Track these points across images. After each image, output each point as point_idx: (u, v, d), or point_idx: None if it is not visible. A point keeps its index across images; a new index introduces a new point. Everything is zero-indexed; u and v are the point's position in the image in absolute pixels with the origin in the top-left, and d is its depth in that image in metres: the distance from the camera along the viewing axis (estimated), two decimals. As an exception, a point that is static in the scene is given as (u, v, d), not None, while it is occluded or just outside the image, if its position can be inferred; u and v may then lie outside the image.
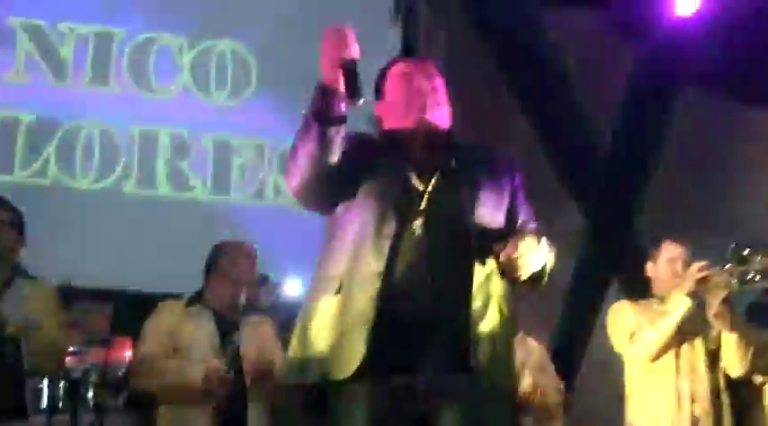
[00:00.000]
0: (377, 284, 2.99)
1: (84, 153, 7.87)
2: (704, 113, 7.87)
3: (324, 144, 3.01)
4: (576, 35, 8.03)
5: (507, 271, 3.07)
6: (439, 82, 3.35)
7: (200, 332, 4.74)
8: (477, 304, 3.04)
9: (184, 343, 4.73)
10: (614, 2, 7.58)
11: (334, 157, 3.05)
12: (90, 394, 5.86)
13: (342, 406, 3.04)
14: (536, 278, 3.16)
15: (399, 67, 3.40)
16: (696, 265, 4.82)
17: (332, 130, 3.00)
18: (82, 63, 8.04)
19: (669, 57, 8.02)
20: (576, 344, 8.17)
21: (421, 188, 3.14)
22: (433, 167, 3.20)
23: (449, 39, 8.23)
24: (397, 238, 3.05)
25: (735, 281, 4.67)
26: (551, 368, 5.41)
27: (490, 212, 3.18)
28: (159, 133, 8.06)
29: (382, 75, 3.42)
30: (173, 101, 8.19)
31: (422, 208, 3.10)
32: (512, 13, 8.37)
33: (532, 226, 3.32)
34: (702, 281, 4.76)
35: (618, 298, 5.48)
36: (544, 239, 3.16)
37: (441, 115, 3.31)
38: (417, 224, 3.07)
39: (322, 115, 3.00)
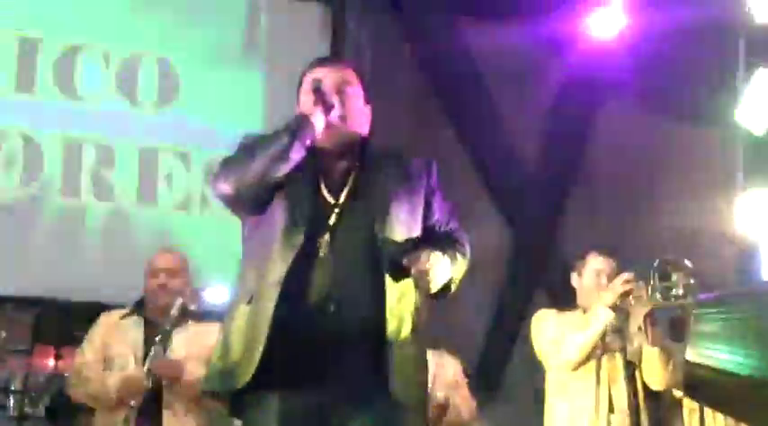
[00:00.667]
0: (278, 290, 3.00)
1: (6, 160, 7.80)
2: (624, 127, 7.99)
3: (285, 159, 3.04)
4: (501, 50, 8.07)
5: (419, 285, 3.06)
6: (355, 89, 3.29)
7: (126, 341, 4.78)
8: (393, 318, 3.04)
9: (113, 353, 4.78)
10: (540, 19, 7.64)
11: (281, 176, 3.07)
12: (11, 402, 5.83)
13: (252, 417, 3.10)
14: (444, 287, 3.14)
15: (317, 72, 3.29)
16: (621, 278, 4.86)
17: (298, 150, 3.04)
18: (6, 70, 7.95)
19: (590, 73, 8.14)
20: (502, 354, 8.25)
21: (332, 201, 3.15)
22: (344, 178, 3.20)
23: (375, 53, 8.26)
24: (303, 250, 3.05)
25: (658, 296, 4.69)
26: (464, 385, 5.43)
27: (405, 220, 3.16)
28: (84, 141, 8.00)
29: (300, 81, 3.36)
30: (99, 109, 8.14)
31: (331, 223, 3.11)
32: (438, 29, 8.46)
33: (454, 226, 3.33)
34: (626, 294, 4.85)
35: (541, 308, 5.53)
36: (450, 251, 3.15)
37: (352, 123, 3.26)
38: (325, 239, 3.08)
39: (297, 136, 3.04)
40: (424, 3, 8.30)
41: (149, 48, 8.33)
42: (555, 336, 5.08)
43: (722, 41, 7.19)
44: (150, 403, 4.62)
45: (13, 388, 5.85)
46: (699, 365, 2.80)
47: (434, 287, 3.06)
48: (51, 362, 6.60)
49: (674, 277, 4.65)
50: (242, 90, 8.17)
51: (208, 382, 3.22)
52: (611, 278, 5.01)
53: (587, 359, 4.96)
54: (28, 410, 5.89)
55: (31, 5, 8.09)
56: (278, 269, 3.03)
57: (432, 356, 5.04)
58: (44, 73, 8.03)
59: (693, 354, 2.84)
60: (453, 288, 3.20)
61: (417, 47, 8.58)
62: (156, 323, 4.82)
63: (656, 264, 4.69)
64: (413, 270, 3.01)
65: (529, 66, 8.19)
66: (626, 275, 4.84)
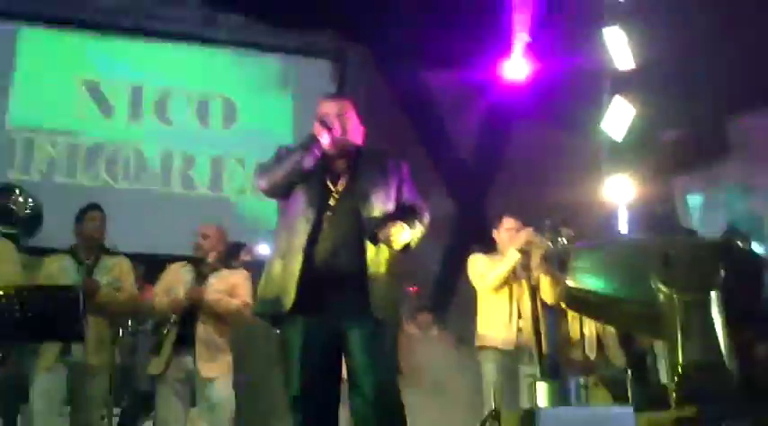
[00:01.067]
0: (300, 254, 3.04)
1: (123, 165, 7.79)
2: (528, 136, 7.95)
3: (299, 166, 3.12)
4: (448, 87, 8.06)
5: (386, 244, 3.08)
6: (350, 114, 3.28)
7: (180, 280, 4.71)
8: (372, 266, 3.07)
9: (172, 287, 4.73)
10: (472, 65, 7.61)
11: (299, 177, 3.14)
12: (129, 322, 5.75)
13: (287, 329, 3.11)
14: (407, 245, 3.17)
15: (324, 106, 3.31)
16: (525, 231, 4.87)
17: (308, 161, 3.12)
18: (122, 106, 7.91)
19: (506, 101, 8.09)
20: (450, 284, 8.21)
21: (332, 189, 3.16)
22: (342, 173, 3.21)
23: (366, 92, 8.23)
24: (316, 223, 3.08)
25: (548, 242, 4.74)
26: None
27: (382, 201, 3.17)
28: (174, 152, 7.99)
29: (316, 109, 3.33)
30: (183, 130, 8.11)
31: (331, 204, 3.13)
32: (406, 75, 8.41)
33: (417, 201, 3.32)
34: (528, 242, 4.84)
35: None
36: (413, 222, 3.17)
37: (350, 136, 3.25)
38: (328, 214, 3.10)
39: (308, 151, 3.13)
40: (398, 59, 8.22)
41: (216, 90, 8.26)
42: (482, 270, 5.06)
43: (594, 78, 7.15)
44: (188, 317, 4.56)
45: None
46: (576, 288, 2.76)
47: (396, 246, 3.08)
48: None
49: (560, 230, 4.66)
50: (279, 115, 8.08)
51: (257, 307, 3.30)
52: (517, 231, 5.01)
53: (503, 283, 4.95)
54: (139, 327, 5.80)
55: (137, 64, 8.05)
56: (300, 237, 3.07)
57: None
58: (147, 108, 7.99)
59: (572, 281, 2.81)
60: (413, 245, 3.21)
61: (394, 87, 8.50)
62: (200, 270, 4.74)
63: (548, 222, 4.71)
64: (381, 237, 3.04)
65: (466, 96, 8.14)
66: (528, 230, 4.86)
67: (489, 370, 4.94)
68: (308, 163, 3.13)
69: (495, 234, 5.23)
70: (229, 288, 4.72)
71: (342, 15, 7.92)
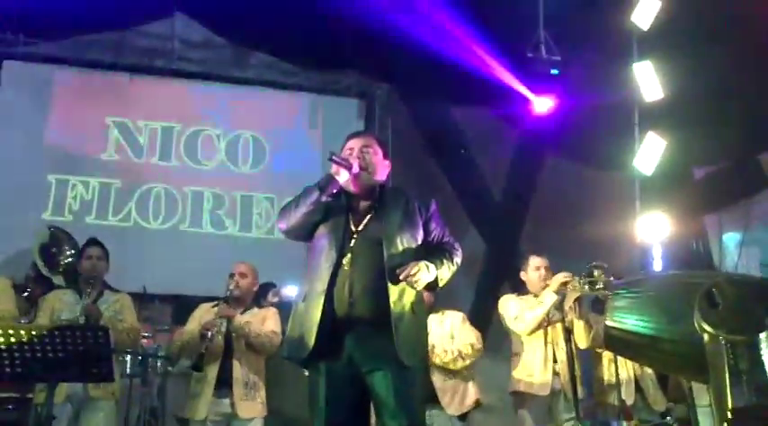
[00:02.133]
0: (321, 299, 2.99)
1: (154, 205, 7.81)
2: (562, 175, 7.87)
3: (315, 208, 3.08)
4: (475, 122, 8.04)
5: (407, 284, 3.02)
6: (373, 149, 3.25)
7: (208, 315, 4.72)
8: (396, 308, 3.00)
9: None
10: (500, 100, 7.59)
11: (318, 217, 3.10)
12: (158, 364, 5.73)
13: (311, 374, 3.09)
14: (432, 286, 3.13)
15: (348, 143, 3.29)
16: (562, 274, 4.79)
17: (323, 200, 3.07)
18: (153, 146, 7.98)
19: (535, 137, 8.03)
20: (481, 326, 8.07)
21: (353, 229, 3.11)
22: (365, 213, 3.16)
23: (393, 128, 8.25)
24: (336, 265, 3.03)
25: (586, 287, 4.65)
26: (464, 331, 5.07)
27: (407, 241, 3.12)
28: (204, 191, 7.99)
29: (342, 146, 3.31)
30: (213, 170, 8.13)
31: (353, 245, 3.07)
32: (433, 111, 8.39)
33: (447, 239, 3.28)
34: (564, 284, 4.75)
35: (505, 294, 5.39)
36: (439, 260, 3.13)
37: (375, 173, 3.21)
38: (350, 256, 3.04)
39: (324, 190, 3.07)
40: (423, 95, 8.21)
41: (245, 129, 8.29)
42: (516, 313, 4.99)
43: (623, 113, 7.09)
44: (224, 360, 4.62)
45: (160, 354, 5.73)
46: (614, 328, 2.67)
47: (418, 286, 3.03)
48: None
49: (597, 275, 4.58)
50: (307, 154, 8.06)
51: (284, 350, 3.25)
52: (546, 270, 4.97)
53: (539, 326, 4.88)
54: (170, 368, 5.76)
55: (167, 104, 8.12)
56: (322, 281, 3.02)
57: (435, 317, 4.93)
58: (177, 148, 8.05)
59: (610, 321, 2.72)
60: (441, 284, 3.17)
61: (420, 122, 8.49)
62: (232, 307, 4.77)
63: (587, 267, 4.65)
64: (401, 277, 2.98)
65: (495, 132, 8.11)
66: (564, 273, 4.79)
67: (525, 416, 4.82)
68: (322, 204, 3.08)
69: (524, 274, 5.15)
70: (260, 320, 4.72)
71: (367, 53, 7.95)
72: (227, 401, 4.57)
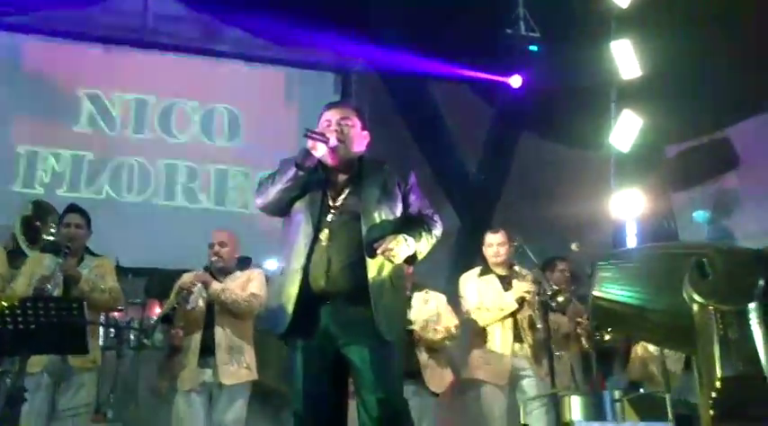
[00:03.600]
0: (299, 275, 2.93)
1: (127, 178, 7.64)
2: (537, 152, 7.83)
3: (293, 184, 2.99)
4: (452, 98, 7.95)
5: (386, 258, 2.93)
6: (351, 121, 3.13)
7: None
8: (375, 282, 2.93)
9: None
10: (475, 79, 7.51)
11: (296, 192, 3.02)
12: (132, 336, 5.61)
13: (290, 351, 3.03)
14: (410, 258, 3.04)
15: (325, 114, 3.18)
16: (525, 285, 4.74)
17: (300, 176, 2.98)
18: (127, 119, 7.79)
19: (511, 115, 7.96)
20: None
21: (331, 204, 3.03)
22: (343, 187, 3.08)
23: (370, 102, 8.13)
24: (314, 240, 2.97)
25: (543, 301, 4.63)
26: (445, 313, 5.03)
27: (385, 214, 3.04)
28: (178, 164, 7.83)
29: (319, 118, 3.20)
30: (188, 143, 7.96)
31: (329, 220, 3.00)
32: (409, 86, 8.25)
33: (426, 211, 3.19)
34: (528, 292, 4.73)
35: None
36: (418, 233, 3.05)
37: (351, 146, 3.10)
38: (327, 231, 2.97)
39: (301, 166, 2.97)
40: (400, 70, 8.08)
41: (220, 102, 8.13)
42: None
43: (600, 91, 7.05)
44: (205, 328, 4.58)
45: (133, 326, 5.63)
46: (601, 298, 2.62)
47: (396, 260, 2.95)
48: (157, 310, 6.36)
49: (556, 296, 4.56)
50: (284, 128, 7.92)
51: (259, 322, 3.17)
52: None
53: (495, 321, 4.85)
54: (144, 341, 5.64)
55: (140, 77, 7.96)
56: (299, 257, 2.96)
57: (419, 295, 4.87)
58: (151, 120, 7.89)
59: (598, 292, 2.66)
60: (420, 257, 3.10)
61: (397, 98, 8.36)
62: (215, 276, 4.72)
63: (552, 289, 4.66)
64: (378, 250, 2.90)
65: (472, 108, 8.03)
66: (528, 285, 4.77)
67: (486, 401, 4.78)
68: (300, 179, 2.99)
69: (484, 249, 5.09)
70: (243, 282, 4.64)
71: (343, 27, 7.81)
72: (210, 369, 4.50)
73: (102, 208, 7.23)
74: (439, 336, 4.78)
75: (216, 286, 4.56)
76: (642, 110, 6.77)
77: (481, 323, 4.87)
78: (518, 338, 4.81)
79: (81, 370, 4.41)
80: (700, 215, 7.26)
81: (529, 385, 4.72)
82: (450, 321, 4.91)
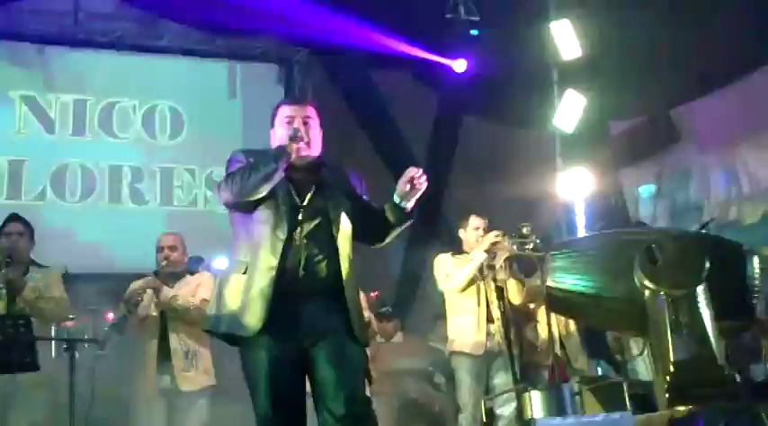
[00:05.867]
0: (273, 273, 2.86)
1: (70, 181, 7.45)
2: (483, 135, 7.85)
3: (270, 180, 2.91)
4: (395, 84, 7.91)
5: (413, 191, 2.90)
6: (313, 121, 3.08)
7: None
8: (349, 282, 2.92)
9: None
10: (419, 62, 7.48)
11: (267, 191, 2.93)
12: (86, 346, 5.48)
13: (249, 352, 2.93)
14: (408, 215, 2.99)
15: (284, 110, 3.10)
16: (492, 233, 4.78)
17: (279, 174, 2.91)
18: (65, 121, 7.57)
19: (455, 98, 7.96)
20: (410, 288, 8.06)
21: (299, 203, 2.98)
22: (308, 187, 3.02)
23: (313, 92, 8.07)
24: (286, 240, 2.90)
25: (515, 248, 4.64)
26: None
27: (345, 211, 3.01)
28: (122, 165, 7.66)
29: (273, 115, 3.13)
30: (131, 143, 7.79)
31: (300, 218, 2.94)
32: (352, 74, 8.19)
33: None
34: (494, 244, 4.73)
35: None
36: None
37: (314, 146, 3.06)
38: (299, 230, 2.92)
39: (278, 163, 2.91)
40: (342, 59, 8.02)
41: (162, 100, 7.94)
42: (448, 271, 4.95)
43: (542, 71, 7.08)
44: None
45: (86, 336, 5.50)
46: (556, 289, 2.64)
47: (417, 195, 2.93)
48: (110, 316, 6.22)
49: (526, 234, 4.58)
50: (227, 122, 7.81)
51: (206, 323, 3.07)
52: (485, 231, 4.91)
53: (470, 284, 4.84)
54: (99, 352, 5.50)
55: (78, 77, 7.73)
56: (272, 255, 2.88)
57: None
58: (92, 122, 7.66)
59: (551, 282, 2.68)
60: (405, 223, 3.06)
61: (340, 86, 8.28)
62: (165, 281, 4.58)
63: (518, 226, 4.59)
64: (404, 185, 2.89)
65: (414, 94, 8.00)
66: (494, 232, 4.76)
67: (463, 376, 4.81)
68: (279, 176, 2.92)
69: (462, 233, 5.12)
70: (192, 288, 4.57)
71: (282, 18, 7.70)
72: (167, 376, 4.43)
73: (45, 214, 7.08)
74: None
75: (166, 292, 4.48)
76: (585, 89, 6.82)
77: (454, 287, 4.86)
78: (489, 318, 4.83)
79: (32, 388, 4.29)
80: (645, 189, 7.37)
81: (498, 369, 4.77)
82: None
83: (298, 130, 2.99)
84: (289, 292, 2.88)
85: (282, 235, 2.91)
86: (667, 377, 2.31)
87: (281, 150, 2.96)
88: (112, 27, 7.81)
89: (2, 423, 4.26)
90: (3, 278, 4.29)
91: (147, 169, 7.70)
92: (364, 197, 3.16)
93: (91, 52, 7.77)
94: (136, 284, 4.51)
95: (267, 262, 2.89)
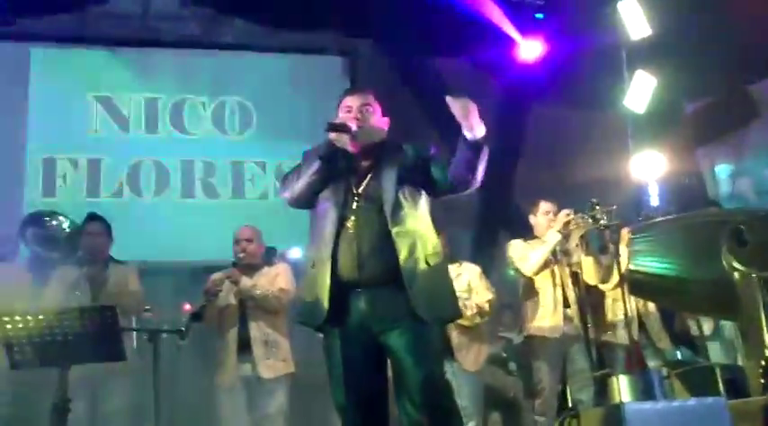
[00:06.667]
0: (328, 264, 2.93)
1: (144, 178, 7.62)
2: (552, 119, 7.71)
3: (318, 176, 3.01)
4: (461, 72, 7.80)
5: (469, 124, 2.99)
6: (372, 107, 3.14)
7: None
8: (408, 263, 2.91)
9: None
10: (485, 48, 7.39)
11: (322, 185, 3.04)
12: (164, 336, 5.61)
13: (327, 340, 3.03)
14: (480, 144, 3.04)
15: (345, 101, 3.18)
16: (563, 212, 4.75)
17: (325, 169, 3.00)
18: (138, 119, 7.76)
19: (522, 82, 7.84)
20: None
21: (355, 191, 3.03)
22: (365, 173, 3.07)
23: (381, 85, 8.02)
24: (340, 228, 2.98)
25: (589, 220, 4.61)
26: (480, 286, 4.97)
27: (409, 192, 3.04)
28: (194, 161, 7.80)
29: (337, 107, 3.21)
30: (201, 138, 7.92)
31: (354, 207, 3.00)
32: (416, 64, 8.17)
33: None
34: (567, 223, 4.71)
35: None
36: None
37: (373, 132, 3.10)
38: (353, 218, 2.98)
39: (324, 158, 3.00)
40: (407, 47, 7.99)
41: (230, 95, 8.05)
42: (522, 254, 4.93)
43: (611, 53, 6.92)
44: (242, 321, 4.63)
45: (164, 328, 5.61)
46: (637, 272, 2.59)
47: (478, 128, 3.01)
48: (187, 307, 6.36)
49: (598, 209, 4.57)
50: (294, 115, 7.85)
51: (298, 317, 3.18)
52: (555, 214, 4.85)
53: (544, 266, 4.83)
54: (180, 342, 5.64)
55: (148, 76, 7.90)
56: (327, 246, 2.96)
57: (452, 269, 4.82)
58: (163, 118, 7.82)
59: (633, 265, 2.63)
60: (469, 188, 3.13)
61: (405, 76, 8.24)
62: (243, 272, 4.73)
63: (587, 203, 4.59)
64: (461, 110, 3.01)
65: (481, 80, 7.91)
66: (566, 210, 4.72)
67: (539, 360, 4.78)
68: (325, 172, 3.01)
69: (533, 219, 5.08)
70: (271, 278, 4.67)
71: (345, 9, 7.71)
72: (248, 364, 4.56)
73: (123, 210, 7.28)
74: (468, 313, 4.72)
75: (245, 282, 4.58)
76: (656, 70, 6.65)
77: (528, 269, 4.83)
78: (566, 302, 4.78)
79: (118, 378, 4.46)
80: (723, 169, 7.16)
81: (575, 354, 4.72)
82: (483, 296, 4.86)
83: (341, 122, 3.06)
84: (350, 281, 2.93)
85: (333, 225, 2.98)
86: (762, 362, 2.24)
87: (328, 143, 3.03)
88: (179, 26, 7.97)
89: (92, 411, 4.42)
90: (85, 275, 4.49)
91: (219, 163, 7.82)
92: (437, 162, 3.15)
93: (159, 51, 7.93)
94: (216, 275, 4.63)
95: (325, 255, 2.96)
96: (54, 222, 5.30)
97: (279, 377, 4.61)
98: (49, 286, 4.65)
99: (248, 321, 4.61)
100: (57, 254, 5.02)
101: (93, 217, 4.93)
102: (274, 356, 4.59)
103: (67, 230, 5.25)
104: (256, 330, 4.58)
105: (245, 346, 4.58)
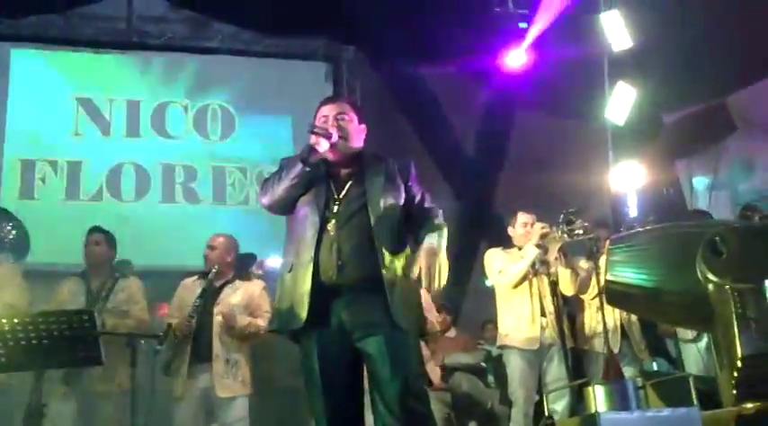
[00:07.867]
0: (309, 267, 2.89)
1: (125, 181, 7.57)
2: (533, 129, 7.76)
3: (300, 180, 2.98)
4: (444, 80, 7.85)
5: (428, 283, 2.93)
6: (348, 116, 3.12)
7: (192, 294, 4.66)
8: (388, 272, 2.88)
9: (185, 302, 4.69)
10: (472, 58, 7.43)
11: (302, 190, 3.01)
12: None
13: (304, 344, 2.97)
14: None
15: (321, 110, 3.15)
16: (539, 225, 4.76)
17: (306, 174, 2.98)
18: (120, 121, 7.71)
19: (506, 92, 7.89)
20: (460, 286, 8.01)
21: (336, 196, 3.01)
22: (346, 180, 3.05)
23: (362, 90, 8.08)
24: (321, 233, 2.94)
25: (565, 235, 4.62)
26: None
27: (391, 201, 3.01)
28: (176, 165, 7.76)
29: (315, 114, 3.18)
30: (183, 143, 7.89)
31: (336, 212, 2.97)
32: (402, 70, 8.14)
33: (429, 205, 3.15)
34: (544, 236, 4.71)
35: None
36: (437, 231, 3.03)
37: (352, 140, 3.09)
38: (334, 223, 2.95)
39: (306, 162, 2.97)
40: (391, 55, 8.01)
41: (213, 99, 8.02)
42: (500, 266, 4.94)
43: (593, 64, 6.98)
44: (202, 332, 4.53)
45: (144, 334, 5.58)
46: (614, 282, 2.60)
47: (442, 281, 2.96)
48: (165, 310, 6.33)
49: (574, 221, 4.58)
50: (277, 120, 7.86)
51: (273, 324, 3.13)
52: (533, 226, 4.86)
53: (523, 280, 4.83)
54: (157, 348, 5.61)
55: (131, 79, 7.87)
56: (308, 250, 2.92)
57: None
58: (145, 122, 7.77)
59: (610, 276, 2.64)
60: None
61: (389, 83, 8.27)
62: (212, 282, 4.68)
63: (562, 215, 4.67)
64: (420, 273, 2.91)
65: (464, 89, 7.95)
66: (540, 224, 4.79)
67: (515, 371, 4.78)
68: (305, 177, 2.99)
69: (511, 230, 5.08)
70: (247, 298, 4.63)
71: (331, 17, 7.72)
72: (205, 376, 4.49)
73: (101, 213, 7.20)
74: (437, 328, 4.76)
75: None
76: (636, 81, 6.71)
77: (507, 283, 4.84)
78: (542, 311, 4.80)
79: (106, 394, 4.42)
80: (700, 181, 7.23)
81: (550, 363, 4.74)
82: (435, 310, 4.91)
83: (322, 127, 3.04)
84: (329, 286, 2.90)
85: (315, 228, 2.95)
86: (734, 373, 2.26)
87: (308, 147, 3.01)
88: (164, 29, 7.94)
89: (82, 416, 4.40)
90: (88, 296, 4.49)
91: (200, 168, 7.78)
92: (414, 187, 3.14)
93: (142, 54, 7.90)
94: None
95: (306, 258, 2.93)
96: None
97: (237, 397, 4.54)
98: (53, 298, 4.67)
99: (212, 335, 4.52)
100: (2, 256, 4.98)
101: (94, 229, 4.92)
102: (233, 376, 4.50)
103: (13, 233, 5.16)
104: (219, 347, 4.51)
105: (201, 359, 4.50)
